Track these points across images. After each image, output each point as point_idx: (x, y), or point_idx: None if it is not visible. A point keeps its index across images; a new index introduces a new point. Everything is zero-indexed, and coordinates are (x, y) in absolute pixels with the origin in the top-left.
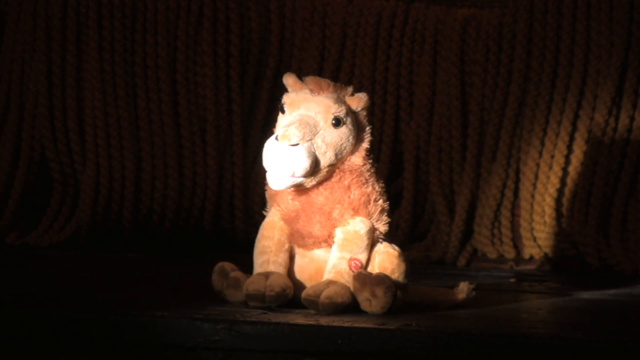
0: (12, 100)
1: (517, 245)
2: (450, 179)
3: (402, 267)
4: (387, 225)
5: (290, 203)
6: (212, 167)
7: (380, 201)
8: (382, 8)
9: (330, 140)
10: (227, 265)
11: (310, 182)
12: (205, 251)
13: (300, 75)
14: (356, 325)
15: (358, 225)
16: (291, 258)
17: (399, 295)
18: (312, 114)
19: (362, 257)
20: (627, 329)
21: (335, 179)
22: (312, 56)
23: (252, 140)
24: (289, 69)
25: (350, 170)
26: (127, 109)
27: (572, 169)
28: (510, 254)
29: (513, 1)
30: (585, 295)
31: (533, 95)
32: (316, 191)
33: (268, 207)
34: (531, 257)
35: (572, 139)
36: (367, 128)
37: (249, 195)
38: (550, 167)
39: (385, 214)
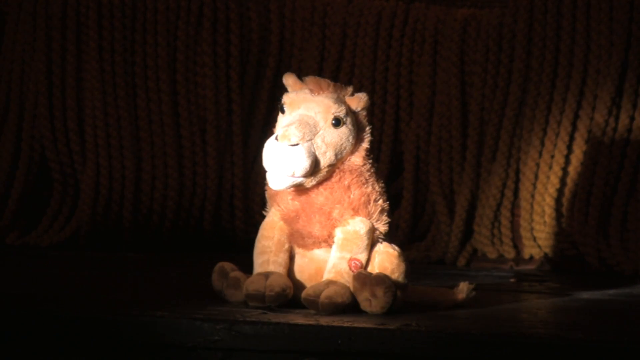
0: (12, 100)
1: (517, 245)
2: (450, 179)
3: (402, 267)
4: (387, 225)
5: (290, 203)
6: (212, 167)
7: (380, 201)
8: (382, 8)
9: (330, 140)
10: (227, 265)
11: (310, 182)
12: (205, 251)
13: (300, 75)
14: (356, 325)
15: (358, 225)
16: (291, 258)
17: (399, 295)
18: (312, 114)
19: (362, 257)
20: (627, 329)
21: (335, 179)
22: (312, 56)
23: (252, 140)
24: (289, 69)
25: (350, 170)
26: (127, 109)
27: (572, 169)
28: (510, 254)
29: (513, 1)
30: (585, 295)
31: (533, 95)
32: (316, 191)
33: (268, 207)
34: (531, 257)
35: (572, 139)
36: (367, 128)
37: (249, 195)
38: (550, 167)
39: (385, 214)
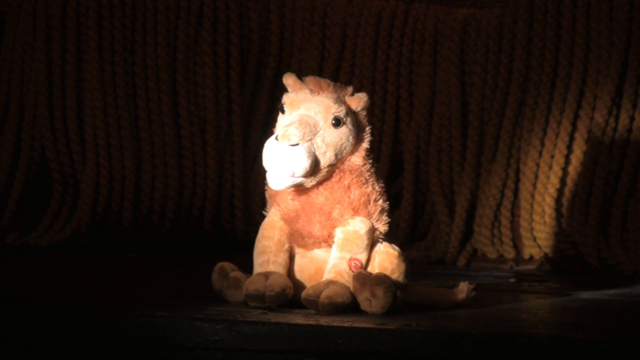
0: (12, 100)
1: (517, 245)
2: (450, 179)
3: (402, 267)
4: (387, 225)
5: (290, 203)
6: (212, 167)
7: (380, 201)
8: (382, 8)
9: (330, 140)
10: (227, 265)
11: (310, 182)
12: (205, 251)
13: (300, 75)
14: (356, 325)
15: (358, 225)
16: (291, 258)
17: (399, 295)
18: (312, 114)
19: (362, 257)
20: (627, 329)
21: (335, 179)
22: (312, 56)
23: (252, 140)
24: (289, 69)
25: (350, 170)
26: (127, 109)
27: (572, 169)
28: (510, 254)
29: (513, 1)
30: (585, 295)
31: (533, 95)
32: (316, 191)
33: (268, 207)
34: (531, 257)
35: (572, 139)
36: (367, 128)
37: (249, 195)
38: (550, 167)
39: (385, 214)
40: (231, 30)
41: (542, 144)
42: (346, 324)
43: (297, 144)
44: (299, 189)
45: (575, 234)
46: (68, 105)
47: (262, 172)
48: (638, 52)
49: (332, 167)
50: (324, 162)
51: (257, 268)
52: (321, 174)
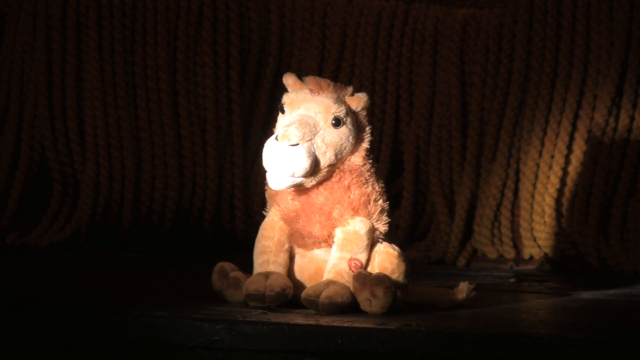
0: (12, 100)
1: (517, 245)
2: (450, 179)
3: (402, 267)
4: (387, 225)
5: (290, 203)
6: (212, 167)
7: (380, 201)
8: (382, 8)
9: (330, 140)
10: (227, 265)
11: (310, 182)
12: (205, 251)
13: (300, 75)
14: (356, 325)
15: (358, 225)
16: (291, 258)
17: (399, 295)
18: (312, 114)
19: (362, 257)
20: (627, 329)
21: (335, 179)
22: (312, 56)
23: (252, 140)
24: (289, 69)
25: (350, 170)
26: (127, 109)
27: (572, 169)
28: (510, 254)
29: (513, 1)
30: (585, 295)
31: (533, 95)
32: (316, 191)
33: (268, 207)
34: (531, 257)
35: (572, 139)
36: (367, 128)
37: (249, 195)
38: (550, 167)
39: (385, 214)
40: (231, 30)
41: (542, 144)
42: (346, 324)
43: (297, 144)
44: (299, 189)
45: (575, 234)
46: (68, 105)
47: (262, 172)
48: (638, 52)
49: (332, 167)
50: (324, 162)
51: (257, 268)
52: (321, 174)
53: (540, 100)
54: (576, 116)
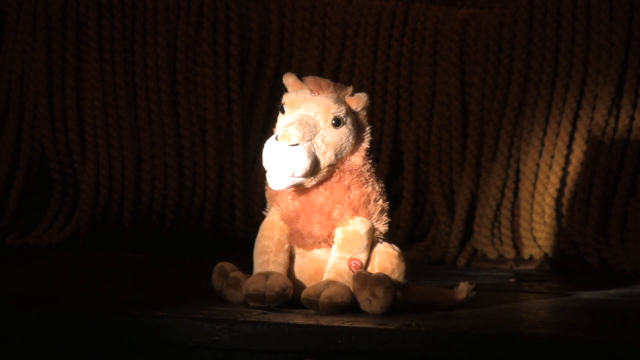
0: (12, 100)
1: (517, 245)
2: (450, 179)
3: (402, 267)
4: (387, 225)
5: (290, 203)
6: (212, 167)
7: (380, 201)
8: (382, 8)
9: (330, 140)
10: (227, 265)
11: (310, 182)
12: (205, 251)
13: (300, 75)
14: (356, 325)
15: (358, 225)
16: (291, 258)
17: (399, 295)
18: (312, 114)
19: (362, 257)
20: (627, 329)
21: (335, 179)
22: (312, 56)
23: (252, 140)
24: (289, 69)
25: (350, 170)
26: (127, 109)
27: (572, 169)
28: (510, 254)
29: (513, 1)
30: (585, 295)
31: (533, 95)
32: (316, 191)
33: (268, 207)
34: (531, 257)
35: (572, 139)
36: (367, 128)
37: (249, 195)
38: (550, 167)
39: (385, 214)
40: (231, 30)
41: (542, 144)
42: (346, 324)
43: (297, 144)
44: (299, 189)
45: (575, 234)
46: (68, 105)
47: (262, 172)
48: (638, 52)
49: (332, 167)
50: (324, 162)
51: (257, 268)
52: (321, 174)
53: (540, 100)
54: (576, 116)
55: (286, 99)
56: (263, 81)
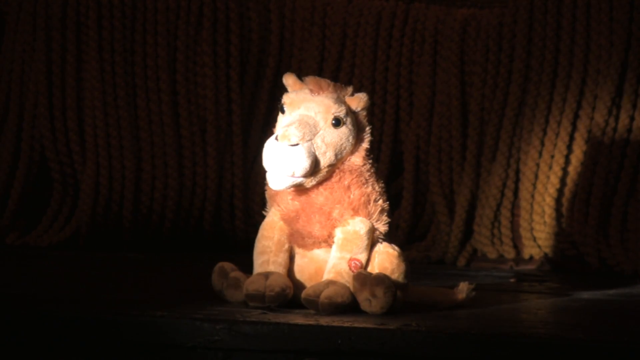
0: (12, 100)
1: (517, 245)
2: (450, 179)
3: (402, 267)
4: (387, 225)
5: (290, 203)
6: (212, 167)
7: (380, 201)
8: (382, 8)
9: (330, 140)
10: (227, 265)
11: (310, 182)
12: (205, 251)
13: (300, 75)
14: (356, 325)
15: (358, 225)
16: (291, 258)
17: (399, 295)
18: (312, 114)
19: (362, 257)
20: (627, 329)
21: (335, 179)
22: (312, 56)
23: (252, 140)
24: (289, 69)
25: (350, 170)
26: (127, 109)
27: (572, 169)
28: (510, 254)
29: (513, 1)
30: (585, 295)
31: (533, 95)
32: (316, 191)
33: (268, 207)
34: (531, 257)
35: (572, 139)
36: (367, 128)
37: (249, 195)
38: (550, 167)
39: (385, 214)
40: (231, 30)
41: (542, 144)
42: (346, 324)
43: (297, 144)
44: (299, 189)
45: (575, 234)
46: (68, 105)
47: (262, 172)
48: (638, 52)
49: (332, 167)
50: (324, 162)
51: (257, 268)
52: (321, 174)
53: (540, 100)
54: (576, 116)
55: (286, 99)
56: (263, 81)
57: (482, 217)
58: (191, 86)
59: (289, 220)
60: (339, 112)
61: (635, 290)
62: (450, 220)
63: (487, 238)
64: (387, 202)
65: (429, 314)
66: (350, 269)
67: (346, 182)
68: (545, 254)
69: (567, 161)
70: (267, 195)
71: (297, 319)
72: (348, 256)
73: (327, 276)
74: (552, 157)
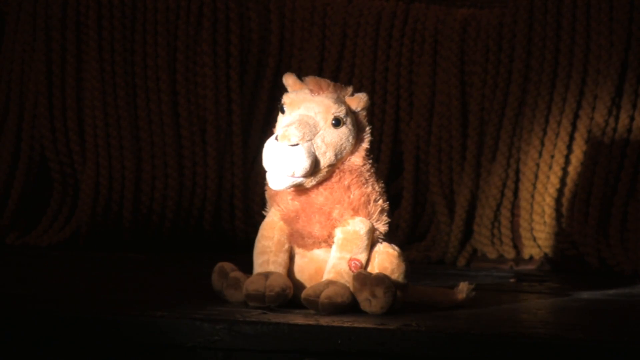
0: (12, 100)
1: (517, 245)
2: (450, 179)
3: (402, 267)
4: (387, 225)
5: (290, 203)
6: (212, 167)
7: (380, 201)
8: (382, 8)
9: (330, 140)
10: (227, 265)
11: (310, 182)
12: (205, 251)
13: (300, 75)
14: (356, 325)
15: (358, 225)
16: (291, 258)
17: (399, 295)
18: (312, 114)
19: (362, 257)
20: (627, 329)
21: (335, 179)
22: (312, 56)
23: (252, 140)
24: (289, 69)
25: (350, 171)
26: (127, 109)
27: (572, 169)
28: (510, 254)
29: (513, 1)
30: (585, 295)
31: (533, 95)
32: (316, 191)
33: (268, 207)
34: (531, 257)
35: (572, 139)
36: (367, 128)
37: (249, 195)
38: (550, 167)
39: (385, 214)
40: (231, 30)
41: (542, 144)
42: (346, 324)
43: (297, 144)
44: (299, 189)
45: (575, 234)
46: (68, 105)
47: (262, 172)
48: (638, 52)
49: (332, 167)
50: (324, 162)
51: (257, 268)
52: (321, 174)
53: (540, 100)
54: (576, 116)
55: (286, 99)
56: (263, 81)
57: (482, 217)
58: (191, 86)
59: (289, 220)
60: (339, 112)
61: (635, 290)
62: (450, 220)
63: (487, 238)
64: (387, 202)
65: (429, 314)
66: (350, 269)
67: (346, 182)
68: (545, 254)
69: (567, 161)
70: (267, 195)
71: (297, 319)
72: (348, 256)
73: (327, 276)
74: (552, 157)
